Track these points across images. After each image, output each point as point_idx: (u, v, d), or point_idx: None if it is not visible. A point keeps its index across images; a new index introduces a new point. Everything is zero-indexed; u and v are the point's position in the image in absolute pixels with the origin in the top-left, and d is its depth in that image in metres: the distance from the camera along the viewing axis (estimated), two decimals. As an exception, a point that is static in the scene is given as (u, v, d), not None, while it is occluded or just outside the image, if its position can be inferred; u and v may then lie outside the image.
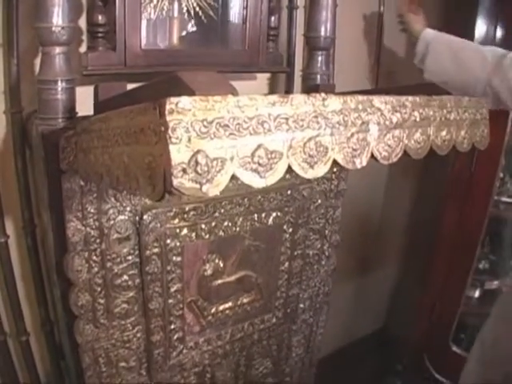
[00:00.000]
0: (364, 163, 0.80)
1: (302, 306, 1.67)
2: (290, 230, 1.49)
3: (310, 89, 1.53)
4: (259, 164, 0.68)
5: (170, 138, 0.63)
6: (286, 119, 0.71)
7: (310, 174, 0.74)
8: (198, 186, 0.64)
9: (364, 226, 2.23)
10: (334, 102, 0.76)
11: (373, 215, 2.29)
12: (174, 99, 0.63)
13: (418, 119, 0.90)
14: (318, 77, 1.57)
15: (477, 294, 2.23)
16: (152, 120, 0.66)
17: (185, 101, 0.64)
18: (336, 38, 1.64)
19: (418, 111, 0.90)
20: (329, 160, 0.76)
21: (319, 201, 1.51)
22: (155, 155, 0.67)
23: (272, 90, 1.75)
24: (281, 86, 1.76)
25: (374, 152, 0.82)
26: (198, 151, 0.64)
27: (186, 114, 0.64)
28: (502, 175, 2.07)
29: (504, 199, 2.07)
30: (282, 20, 1.71)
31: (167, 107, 0.63)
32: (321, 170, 0.75)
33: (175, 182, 0.63)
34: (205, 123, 0.65)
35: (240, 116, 0.67)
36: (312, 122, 0.73)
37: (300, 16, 1.74)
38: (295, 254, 1.55)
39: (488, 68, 1.57)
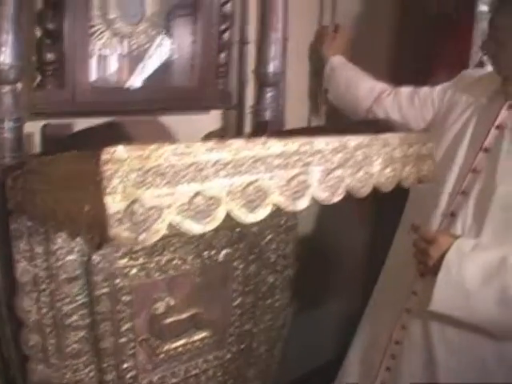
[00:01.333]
0: (305, 205, 0.81)
1: (256, 340, 1.66)
2: (242, 266, 1.49)
3: (258, 125, 1.55)
4: (197, 211, 0.69)
5: (106, 187, 0.63)
6: (225, 165, 0.72)
7: (250, 219, 0.75)
8: (134, 235, 0.64)
9: (321, 257, 2.26)
10: (275, 146, 0.78)
11: (331, 246, 2.32)
12: (110, 149, 0.64)
13: (360, 158, 0.92)
14: (268, 113, 1.59)
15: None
16: (90, 169, 0.67)
17: (121, 150, 0.64)
18: (287, 73, 1.68)
19: (360, 151, 0.92)
20: (269, 204, 0.77)
21: (270, 236, 1.52)
22: (93, 204, 0.67)
23: (224, 124, 1.77)
24: (232, 120, 1.78)
25: (316, 193, 0.83)
26: (134, 200, 0.64)
27: (122, 163, 0.64)
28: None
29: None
30: (233, 55, 1.74)
31: (103, 157, 0.63)
32: (261, 214, 0.76)
33: (111, 232, 0.63)
34: (141, 172, 0.65)
35: (177, 164, 0.68)
36: (251, 167, 0.75)
37: (251, 51, 1.76)
38: (247, 289, 1.55)
39: (371, 98, 1.78)
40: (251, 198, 0.74)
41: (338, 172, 0.87)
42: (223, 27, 1.65)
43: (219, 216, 0.71)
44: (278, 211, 1.33)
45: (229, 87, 1.70)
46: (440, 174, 1.41)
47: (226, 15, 1.65)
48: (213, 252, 1.42)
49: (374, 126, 1.12)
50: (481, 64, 2.04)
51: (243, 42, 1.76)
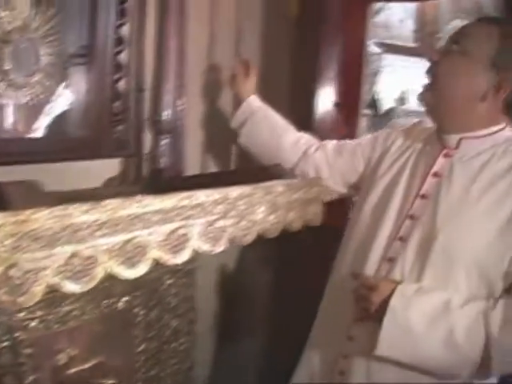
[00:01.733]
0: (186, 258, 0.86)
1: None
2: (142, 312, 1.50)
3: (154, 172, 1.58)
4: (74, 271, 0.71)
5: (-19, 254, 0.65)
6: (101, 225, 0.75)
7: (131, 275, 0.78)
8: (12, 298, 0.66)
9: (227, 296, 2.29)
10: (151, 203, 0.82)
11: (236, 284, 2.36)
12: (-16, 216, 0.66)
13: (243, 208, 0.97)
14: (164, 160, 1.63)
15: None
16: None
17: (-4, 217, 0.66)
18: (190, 117, 1.73)
19: (242, 200, 0.97)
20: (149, 259, 0.80)
21: (169, 281, 1.54)
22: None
23: (123, 172, 1.78)
24: (131, 167, 1.80)
25: (197, 245, 0.88)
26: (11, 265, 0.66)
27: (-3, 229, 0.66)
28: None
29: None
30: (130, 103, 1.76)
31: (-24, 224, 0.65)
32: (141, 269, 0.80)
33: (-11, 296, 0.64)
34: (17, 237, 0.67)
35: (53, 226, 0.70)
36: (129, 225, 0.78)
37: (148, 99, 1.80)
38: (151, 335, 1.55)
39: (298, 153, 1.76)
40: (130, 255, 0.78)
41: (220, 223, 0.92)
42: (117, 76, 1.67)
43: (97, 275, 0.74)
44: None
45: (126, 135, 1.72)
46: (375, 218, 1.49)
47: (120, 64, 1.67)
48: (112, 300, 1.42)
49: (265, 172, 1.17)
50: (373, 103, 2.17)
51: (139, 89, 1.79)
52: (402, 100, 2.20)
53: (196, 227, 0.88)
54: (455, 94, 1.37)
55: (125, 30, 1.66)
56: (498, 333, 1.25)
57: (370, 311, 1.37)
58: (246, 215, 0.97)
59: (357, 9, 1.81)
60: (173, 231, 0.84)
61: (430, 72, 1.41)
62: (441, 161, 1.43)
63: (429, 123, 1.56)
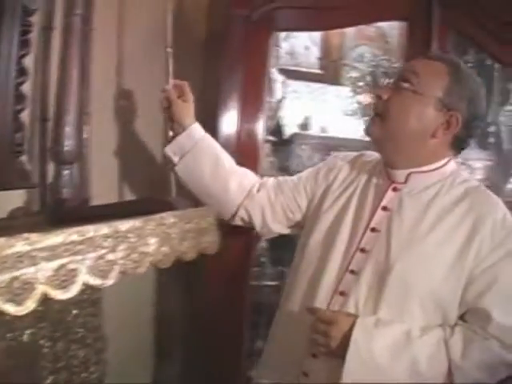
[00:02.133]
0: (75, 292, 0.88)
1: None
2: (49, 343, 1.50)
3: (56, 203, 1.59)
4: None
5: None
6: (-13, 264, 0.77)
7: (19, 311, 0.80)
8: None
9: (139, 323, 2.31)
10: (40, 240, 0.84)
11: (148, 312, 2.39)
12: None
13: (133, 240, 1.01)
14: (65, 190, 1.64)
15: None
16: None
17: None
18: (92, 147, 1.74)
19: (133, 233, 1.01)
20: (37, 294, 0.83)
21: (75, 312, 1.55)
22: None
23: (27, 202, 1.78)
24: (35, 198, 1.80)
25: (86, 279, 0.90)
26: None
27: None
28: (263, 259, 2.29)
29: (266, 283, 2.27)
30: (35, 134, 1.77)
31: None
32: (30, 305, 0.82)
33: None
34: None
35: None
36: (16, 262, 0.80)
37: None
38: (58, 366, 1.55)
39: (243, 193, 1.74)
40: (18, 292, 0.80)
41: (110, 256, 0.95)
42: (20, 107, 1.67)
43: (-18, 313, 0.76)
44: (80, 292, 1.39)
45: (29, 166, 1.72)
46: (323, 252, 1.53)
47: (22, 95, 1.68)
48: (17, 333, 1.42)
49: (158, 204, 1.21)
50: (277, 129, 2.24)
51: (43, 120, 1.81)
52: (304, 126, 2.31)
53: (85, 262, 0.90)
54: (407, 131, 1.44)
55: (28, 61, 1.67)
56: (459, 358, 1.33)
57: (330, 346, 1.39)
58: (137, 247, 1.01)
59: (259, 37, 1.88)
60: (61, 266, 0.86)
61: (379, 108, 1.48)
62: (390, 195, 1.50)
63: (369, 155, 1.64)
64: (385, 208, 1.49)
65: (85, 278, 0.90)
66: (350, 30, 2.61)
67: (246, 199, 1.73)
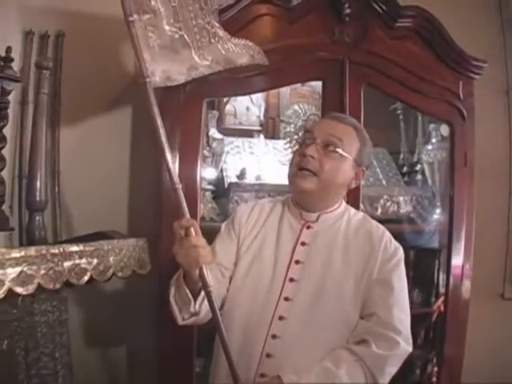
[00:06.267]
0: (31, 290, 1.31)
1: None
2: (23, 353, 1.88)
3: (30, 243, 2.04)
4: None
5: None
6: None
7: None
8: None
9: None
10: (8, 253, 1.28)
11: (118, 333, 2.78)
12: None
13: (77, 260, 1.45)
14: (37, 233, 2.08)
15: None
16: None
17: None
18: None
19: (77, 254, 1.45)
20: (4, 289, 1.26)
21: (45, 330, 1.93)
22: None
23: (7, 243, 2.24)
24: (14, 239, 2.27)
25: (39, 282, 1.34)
26: None
27: None
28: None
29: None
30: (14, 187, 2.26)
31: None
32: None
33: None
34: None
35: None
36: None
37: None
38: (31, 373, 1.92)
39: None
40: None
41: (58, 268, 1.39)
42: (1, 166, 2.13)
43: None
44: (50, 307, 1.81)
45: (8, 213, 2.17)
46: (250, 284, 1.72)
47: (3, 157, 2.14)
48: None
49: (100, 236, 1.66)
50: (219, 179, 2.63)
51: (19, 177, 2.29)
52: (242, 175, 2.63)
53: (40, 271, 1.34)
54: (336, 185, 1.76)
55: (6, 130, 2.15)
56: (363, 353, 1.60)
57: None
58: (80, 264, 1.45)
59: (192, 105, 2.26)
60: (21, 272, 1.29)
61: (310, 166, 1.69)
62: (305, 232, 1.76)
63: (270, 201, 1.94)
64: (303, 243, 1.74)
65: (38, 280, 1.34)
66: (285, 90, 3.02)
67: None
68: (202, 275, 1.47)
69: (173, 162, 1.53)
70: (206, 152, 2.57)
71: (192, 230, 1.47)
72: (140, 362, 2.82)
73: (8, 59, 2.14)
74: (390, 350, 1.60)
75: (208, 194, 2.59)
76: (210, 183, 2.64)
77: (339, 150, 1.71)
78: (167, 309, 1.62)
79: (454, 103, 2.69)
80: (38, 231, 2.08)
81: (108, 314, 2.65)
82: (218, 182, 2.70)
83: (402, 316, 1.66)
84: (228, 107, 2.97)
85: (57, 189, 2.40)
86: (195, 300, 1.55)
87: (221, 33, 1.62)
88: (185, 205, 1.49)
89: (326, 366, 1.57)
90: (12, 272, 1.28)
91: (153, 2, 1.51)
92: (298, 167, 1.71)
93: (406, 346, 1.63)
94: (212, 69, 1.61)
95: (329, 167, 1.70)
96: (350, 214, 1.82)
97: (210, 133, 2.64)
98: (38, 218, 2.10)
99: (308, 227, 1.77)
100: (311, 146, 1.70)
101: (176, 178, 1.49)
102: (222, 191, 2.66)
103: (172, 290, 1.61)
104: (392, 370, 1.63)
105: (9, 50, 2.15)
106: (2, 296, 1.25)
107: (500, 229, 3.38)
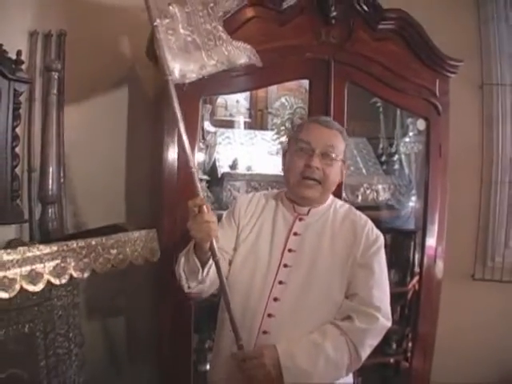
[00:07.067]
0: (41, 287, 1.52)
1: None
2: (42, 335, 2.09)
3: (43, 233, 2.25)
4: None
5: None
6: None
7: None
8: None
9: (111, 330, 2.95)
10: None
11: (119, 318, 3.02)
12: None
13: (101, 251, 1.66)
14: (50, 224, 2.27)
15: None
16: None
17: None
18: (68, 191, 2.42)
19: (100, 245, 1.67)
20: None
21: (60, 312, 2.14)
22: None
23: (21, 234, 2.47)
24: (26, 230, 2.47)
25: (73, 273, 1.55)
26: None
27: None
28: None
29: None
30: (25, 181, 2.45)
31: None
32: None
33: None
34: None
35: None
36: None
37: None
38: (49, 353, 2.13)
39: None
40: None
41: (86, 260, 1.60)
42: (15, 163, 2.33)
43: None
44: (64, 292, 2.03)
45: (21, 206, 2.37)
46: (249, 269, 1.89)
47: (17, 154, 2.34)
48: (19, 326, 2.00)
49: (115, 228, 1.87)
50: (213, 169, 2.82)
51: (29, 170, 2.47)
52: (234, 166, 2.81)
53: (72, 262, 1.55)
54: (333, 186, 1.97)
55: (18, 130, 2.32)
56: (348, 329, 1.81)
57: (266, 373, 1.73)
58: (102, 254, 1.66)
59: (190, 100, 2.36)
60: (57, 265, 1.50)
61: (317, 176, 1.88)
62: (297, 224, 1.95)
63: (267, 194, 2.10)
64: (295, 233, 1.94)
65: (72, 272, 1.55)
66: (273, 86, 3.16)
67: None
68: (211, 247, 1.68)
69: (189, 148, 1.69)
70: (200, 144, 2.75)
71: (204, 207, 1.66)
72: (139, 339, 3.04)
73: (19, 62, 2.30)
74: (370, 325, 1.81)
75: (203, 183, 2.76)
76: (204, 173, 2.83)
77: (334, 157, 1.90)
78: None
79: (430, 100, 2.90)
80: (51, 223, 2.26)
81: (109, 293, 2.87)
82: (212, 172, 2.89)
83: (382, 295, 1.88)
84: (219, 100, 3.16)
85: (62, 180, 2.58)
86: (203, 269, 1.75)
87: (224, 36, 1.79)
88: (199, 185, 1.70)
89: (313, 338, 1.80)
90: (49, 266, 1.48)
91: (171, 8, 1.70)
92: (303, 176, 1.90)
93: (385, 322, 1.85)
94: (217, 68, 1.79)
95: (331, 175, 1.91)
96: (337, 206, 2.02)
97: (204, 126, 2.82)
98: (50, 210, 2.28)
99: (300, 219, 1.97)
100: (314, 158, 1.88)
101: (193, 163, 1.69)
102: (215, 181, 2.85)
103: (181, 261, 1.80)
104: (372, 342, 1.84)
105: (19, 53, 2.31)
106: (42, 287, 1.45)
107: (472, 214, 3.60)
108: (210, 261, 1.74)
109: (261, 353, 1.75)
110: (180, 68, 1.72)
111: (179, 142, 1.69)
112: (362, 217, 2.02)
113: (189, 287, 1.82)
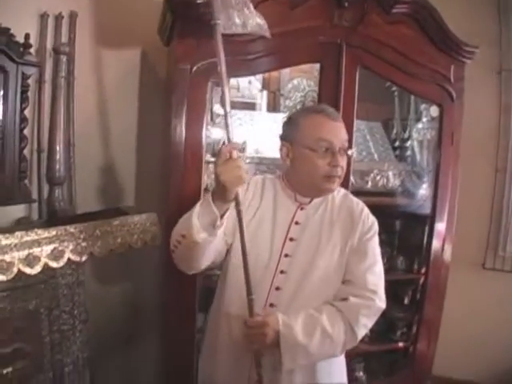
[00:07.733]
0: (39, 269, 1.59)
1: (66, 369, 2.31)
2: (47, 312, 2.17)
3: (51, 213, 2.32)
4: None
5: None
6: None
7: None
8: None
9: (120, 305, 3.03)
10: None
11: (128, 296, 3.10)
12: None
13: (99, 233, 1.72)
14: (57, 204, 2.34)
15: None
16: None
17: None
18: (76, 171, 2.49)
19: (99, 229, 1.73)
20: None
21: (65, 290, 2.22)
22: None
23: (29, 213, 2.54)
24: (34, 210, 2.55)
25: (70, 256, 1.62)
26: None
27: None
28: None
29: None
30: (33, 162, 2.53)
31: None
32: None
33: None
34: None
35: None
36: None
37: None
38: (53, 329, 2.22)
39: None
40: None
41: (84, 244, 1.66)
42: (23, 144, 2.38)
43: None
44: (69, 270, 2.10)
45: (30, 186, 2.43)
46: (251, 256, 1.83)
47: (25, 136, 2.38)
48: (25, 302, 2.08)
49: (117, 211, 1.93)
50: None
51: (39, 152, 2.54)
52: (242, 148, 2.78)
53: (69, 246, 1.62)
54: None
55: (27, 112, 2.37)
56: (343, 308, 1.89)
57: (267, 342, 1.80)
58: (102, 237, 1.72)
59: (199, 84, 2.46)
60: (54, 248, 1.57)
61: (340, 173, 1.90)
62: (299, 213, 1.98)
63: (267, 179, 2.11)
64: (297, 222, 1.97)
65: (69, 255, 1.62)
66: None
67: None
68: (236, 195, 1.69)
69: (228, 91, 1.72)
70: (209, 127, 2.76)
71: (235, 152, 1.65)
72: (145, 318, 3.14)
73: (27, 45, 2.33)
74: (365, 305, 1.89)
75: (211, 166, 2.73)
76: (213, 155, 2.79)
77: (347, 149, 1.93)
78: (172, 266, 1.84)
79: (444, 86, 2.89)
80: (58, 203, 2.33)
81: (115, 272, 2.97)
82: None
83: (376, 279, 1.94)
84: (232, 81, 3.14)
85: (72, 160, 2.64)
86: (221, 217, 1.69)
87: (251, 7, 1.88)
88: (231, 129, 1.73)
89: (310, 312, 1.87)
90: (47, 249, 1.55)
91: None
92: (329, 175, 1.89)
93: (379, 303, 1.91)
94: (255, 30, 1.88)
95: (344, 166, 1.93)
96: (334, 193, 2.04)
97: (214, 109, 2.85)
98: (57, 190, 2.35)
99: (302, 208, 2.00)
100: (338, 157, 1.88)
101: (228, 106, 1.72)
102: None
103: (196, 209, 1.70)
104: (367, 323, 1.91)
105: (27, 36, 2.34)
106: (39, 270, 1.52)
107: (485, 202, 3.61)
108: (227, 213, 1.71)
109: (265, 321, 1.80)
110: (226, 18, 1.78)
111: (220, 83, 1.71)
112: (358, 203, 2.05)
113: (198, 237, 1.69)
